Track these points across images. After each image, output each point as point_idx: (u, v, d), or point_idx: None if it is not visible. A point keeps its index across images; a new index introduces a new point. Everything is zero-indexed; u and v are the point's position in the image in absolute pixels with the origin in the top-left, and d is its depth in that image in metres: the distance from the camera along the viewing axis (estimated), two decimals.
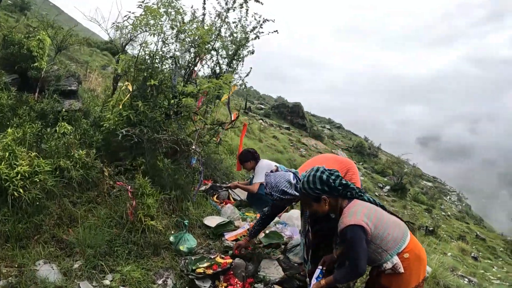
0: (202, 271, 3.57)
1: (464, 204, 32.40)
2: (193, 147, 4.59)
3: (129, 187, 3.96)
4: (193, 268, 3.61)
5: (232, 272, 3.72)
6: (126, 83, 4.58)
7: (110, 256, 3.65)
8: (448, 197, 32.39)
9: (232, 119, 5.32)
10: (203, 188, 5.66)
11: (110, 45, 16.84)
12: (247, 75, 6.44)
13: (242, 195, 6.09)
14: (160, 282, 3.55)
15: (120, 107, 4.60)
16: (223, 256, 3.92)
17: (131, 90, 4.52)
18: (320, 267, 3.09)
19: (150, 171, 4.52)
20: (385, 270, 2.79)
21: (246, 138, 12.07)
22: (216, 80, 4.83)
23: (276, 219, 4.80)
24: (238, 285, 3.61)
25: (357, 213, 2.77)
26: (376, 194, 20.25)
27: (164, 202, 4.44)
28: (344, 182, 2.93)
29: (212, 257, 3.86)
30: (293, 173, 3.53)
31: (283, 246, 4.29)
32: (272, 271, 3.78)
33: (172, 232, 4.23)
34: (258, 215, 5.18)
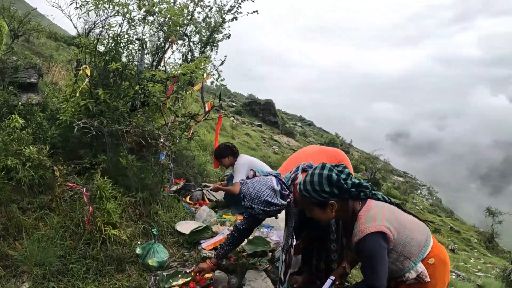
0: None
1: (434, 198, 33.59)
2: (161, 140, 4.02)
3: (85, 189, 3.35)
4: (166, 286, 3.10)
5: (212, 287, 3.20)
6: (83, 66, 3.96)
7: (64, 275, 3.07)
8: (419, 191, 33.44)
9: (207, 109, 4.76)
10: (174, 188, 5.14)
11: (78, 39, 16.00)
12: (222, 63, 5.94)
13: (218, 195, 5.56)
14: None
15: (77, 94, 3.98)
16: None
17: (89, 74, 3.91)
18: (332, 277, 2.63)
19: (113, 170, 3.96)
20: (407, 281, 2.30)
21: (219, 135, 11.68)
22: (188, 64, 4.26)
23: None
24: None
25: (376, 217, 2.27)
26: None
27: (128, 206, 3.90)
28: (356, 181, 2.41)
29: (188, 271, 3.33)
30: (274, 176, 2.93)
31: (270, 254, 3.77)
32: (260, 283, 3.32)
33: (139, 242, 3.67)
34: (237, 217, 4.65)
